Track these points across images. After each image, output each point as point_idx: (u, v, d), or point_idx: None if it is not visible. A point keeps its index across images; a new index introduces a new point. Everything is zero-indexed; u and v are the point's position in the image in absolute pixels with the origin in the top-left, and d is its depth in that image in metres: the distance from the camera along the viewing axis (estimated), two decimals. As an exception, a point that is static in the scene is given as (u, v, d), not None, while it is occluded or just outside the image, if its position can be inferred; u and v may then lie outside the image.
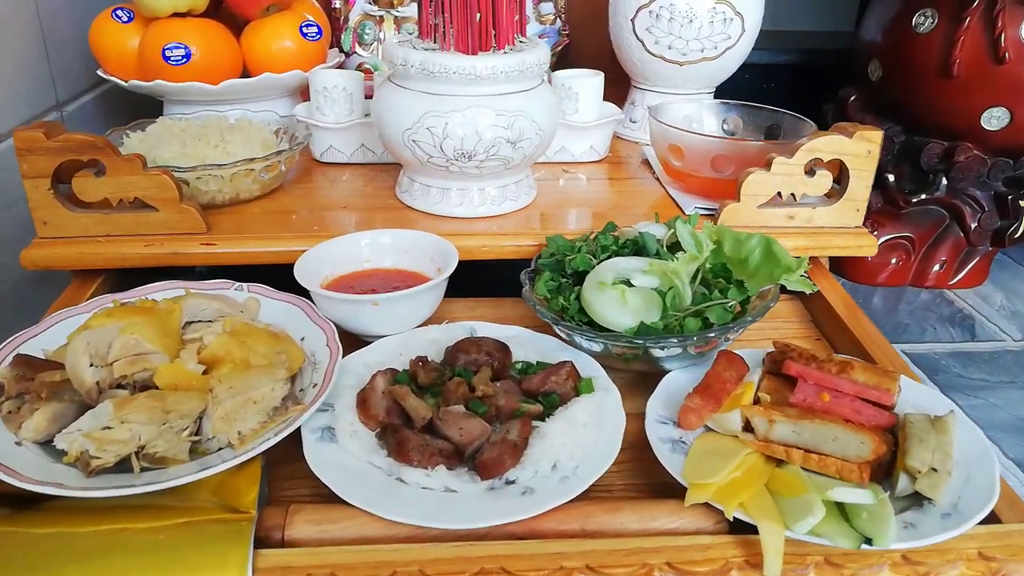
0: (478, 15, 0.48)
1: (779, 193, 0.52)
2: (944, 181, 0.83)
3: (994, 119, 0.79)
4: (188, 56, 0.57)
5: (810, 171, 0.51)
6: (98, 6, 0.66)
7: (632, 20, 0.66)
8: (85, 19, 0.67)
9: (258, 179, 0.52)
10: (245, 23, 0.63)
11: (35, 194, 0.46)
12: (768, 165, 0.51)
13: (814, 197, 0.53)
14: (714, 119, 0.63)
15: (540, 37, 0.84)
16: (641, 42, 0.66)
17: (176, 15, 0.59)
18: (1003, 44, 0.76)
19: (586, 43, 0.92)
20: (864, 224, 0.54)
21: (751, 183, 0.51)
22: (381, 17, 0.82)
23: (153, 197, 0.47)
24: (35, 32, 0.62)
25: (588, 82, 0.62)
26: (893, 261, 0.85)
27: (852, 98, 0.92)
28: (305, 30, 0.62)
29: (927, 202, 0.84)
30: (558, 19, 0.86)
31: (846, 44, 1.12)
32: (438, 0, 0.49)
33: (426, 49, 0.49)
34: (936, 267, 0.85)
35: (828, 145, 0.51)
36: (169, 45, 0.57)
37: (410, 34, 0.52)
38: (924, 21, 0.81)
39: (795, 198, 0.52)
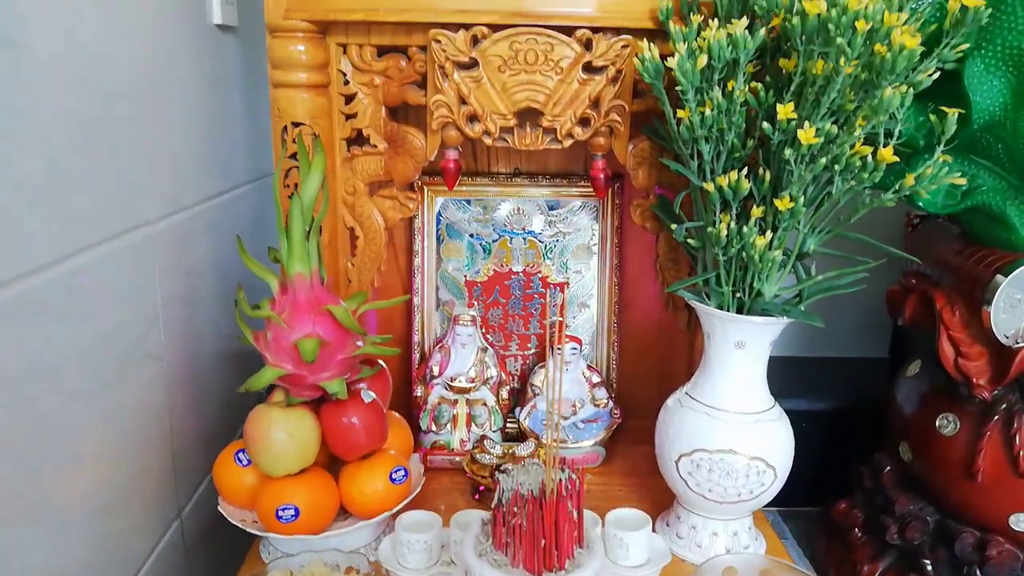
0: (543, 541, 0.58)
1: None
2: (979, 572, 0.87)
3: (1022, 522, 0.84)
4: (296, 514, 0.68)
5: None
6: (223, 436, 0.79)
7: (676, 462, 0.75)
8: (211, 441, 0.81)
9: (349, 658, 0.61)
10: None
11: None
12: (799, 674, 0.57)
13: None
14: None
15: (594, 421, 0.95)
16: (684, 481, 0.75)
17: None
18: (1022, 461, 0.82)
19: (638, 411, 1.02)
20: None
21: None
22: (455, 400, 0.94)
23: None
24: (168, 466, 0.75)
25: (638, 533, 0.71)
26: (936, 651, 0.87)
27: (887, 468, 0.98)
28: (394, 475, 0.73)
29: (965, 593, 0.87)
30: (610, 402, 0.97)
31: (880, 377, 1.20)
32: (510, 525, 0.59)
33: (498, 565, 0.59)
34: (979, 658, 0.87)
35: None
36: (282, 506, 0.68)
37: (486, 539, 0.62)
38: (947, 425, 0.88)
39: None
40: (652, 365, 1.05)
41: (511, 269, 1.00)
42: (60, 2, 0.56)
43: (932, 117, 0.65)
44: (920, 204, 0.79)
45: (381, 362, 0.81)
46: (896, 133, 0.65)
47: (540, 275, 1.01)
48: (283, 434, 0.69)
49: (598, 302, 1.02)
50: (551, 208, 0.99)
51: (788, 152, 0.62)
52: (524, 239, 1.00)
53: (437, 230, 0.99)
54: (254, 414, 0.70)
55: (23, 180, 0.52)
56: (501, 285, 1.00)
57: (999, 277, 0.81)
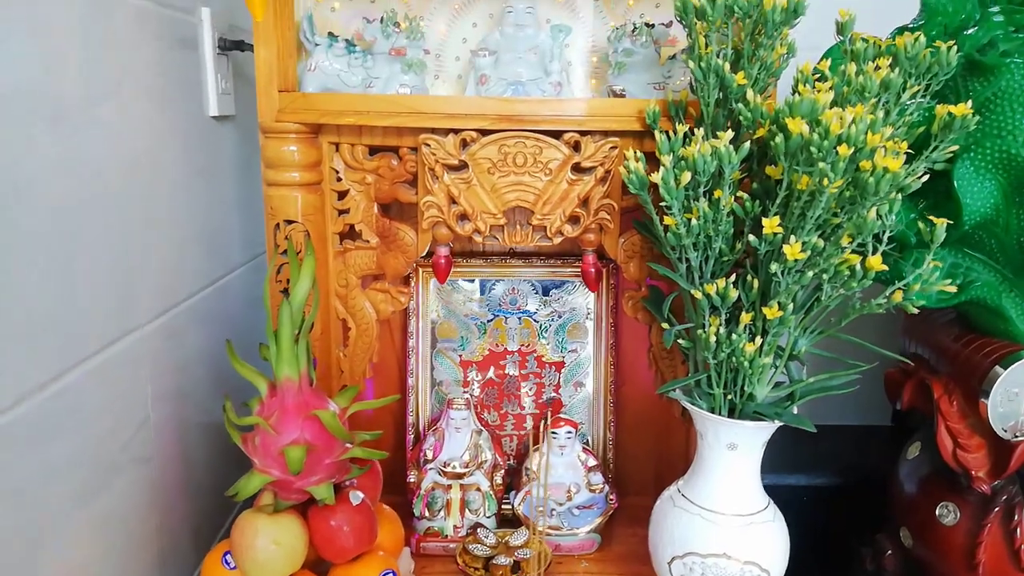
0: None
1: None
2: (982, 667, 0.85)
3: (1025, 617, 0.82)
4: (284, 623, 0.67)
5: None
6: (213, 528, 0.78)
7: (668, 564, 0.74)
8: (201, 534, 0.80)
9: None
10: (332, 562, 0.74)
11: None
12: None
13: None
14: None
15: (589, 507, 0.94)
16: (678, 582, 0.74)
17: (277, 578, 0.70)
18: (1023, 555, 0.80)
19: (635, 488, 1.01)
20: None
21: None
22: (449, 485, 0.94)
23: None
24: (154, 565, 0.75)
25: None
26: None
27: (888, 552, 0.97)
28: (382, 579, 0.72)
29: None
30: (606, 487, 0.96)
31: (883, 447, 1.18)
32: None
33: None
34: None
35: None
36: (269, 615, 0.67)
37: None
38: (947, 514, 0.87)
39: None
40: (650, 442, 1.04)
41: (506, 348, 1.00)
42: (60, 107, 0.58)
43: (920, 224, 0.65)
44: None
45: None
46: (885, 239, 0.65)
47: (536, 354, 1.00)
48: (269, 543, 0.68)
49: (594, 380, 1.01)
50: (546, 288, 0.99)
51: (775, 266, 0.61)
52: (519, 319, 1.00)
53: (432, 310, 0.99)
54: (240, 521, 0.70)
55: (19, 301, 0.52)
56: (496, 364, 1.00)
57: (997, 369, 0.80)
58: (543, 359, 1.00)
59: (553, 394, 1.01)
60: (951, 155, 0.70)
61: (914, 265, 0.75)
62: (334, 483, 0.72)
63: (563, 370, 1.01)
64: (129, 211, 0.69)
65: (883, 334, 1.08)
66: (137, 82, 0.72)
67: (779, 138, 0.59)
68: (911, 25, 0.83)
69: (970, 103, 0.66)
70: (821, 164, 0.56)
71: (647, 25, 0.78)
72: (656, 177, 0.63)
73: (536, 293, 0.99)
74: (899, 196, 0.63)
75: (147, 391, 0.73)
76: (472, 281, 0.98)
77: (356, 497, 0.74)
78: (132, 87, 0.71)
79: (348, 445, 0.73)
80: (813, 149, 0.56)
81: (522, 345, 1.00)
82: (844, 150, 0.55)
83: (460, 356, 1.00)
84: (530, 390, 1.01)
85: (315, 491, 0.70)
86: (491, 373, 1.00)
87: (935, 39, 0.83)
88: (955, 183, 0.71)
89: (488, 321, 1.00)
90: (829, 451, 1.20)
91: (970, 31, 0.80)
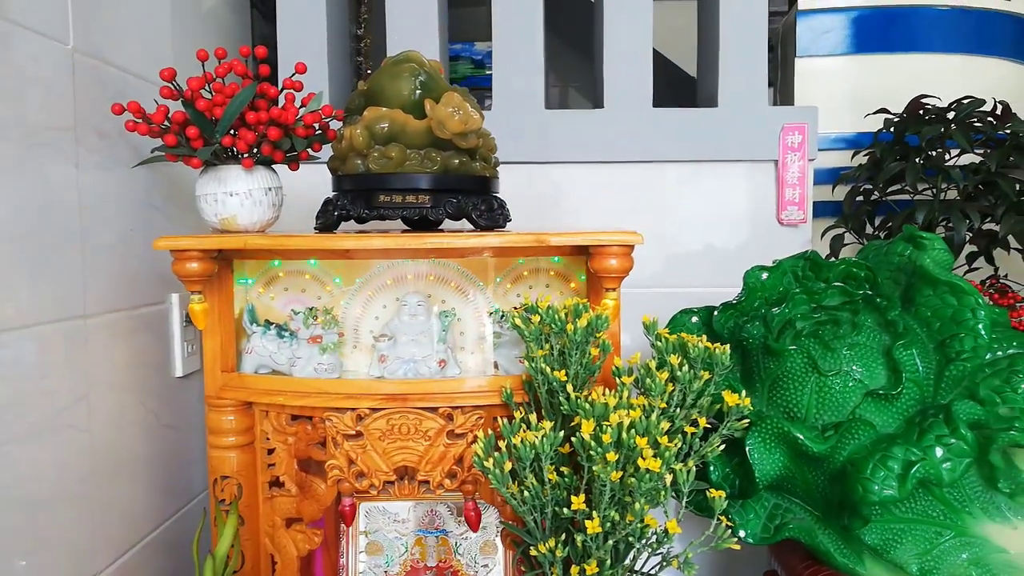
0: None
1: None
2: None
3: None
4: None
5: None
6: None
7: None
8: None
9: None
10: None
11: None
12: None
13: None
14: None
15: None
16: None
17: None
18: None
19: None
20: None
21: None
22: None
23: None
24: None
25: None
26: None
27: None
28: None
29: None
30: None
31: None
32: None
33: None
34: None
35: None
36: None
37: None
38: None
39: None
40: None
41: (425, 564, 1.14)
42: (36, 422, 0.78)
43: (713, 499, 0.81)
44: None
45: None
46: (684, 503, 0.81)
47: (452, 569, 1.15)
48: None
49: (504, 595, 1.14)
50: (459, 510, 1.15)
51: (579, 536, 0.77)
52: (437, 537, 1.15)
53: (362, 530, 1.14)
54: None
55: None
56: (417, 580, 1.14)
57: (828, 598, 0.92)
58: (459, 574, 1.14)
59: (467, 606, 1.14)
60: (747, 424, 0.87)
61: (735, 513, 0.90)
62: None
63: (477, 585, 1.15)
64: (94, 477, 0.89)
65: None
66: (107, 375, 0.93)
67: (577, 435, 0.77)
68: (733, 301, 1.02)
69: (744, 393, 0.83)
70: (595, 468, 0.73)
71: (516, 308, 0.98)
72: (489, 463, 0.80)
73: (452, 514, 1.15)
74: (693, 470, 0.80)
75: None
76: (396, 503, 1.14)
77: None
78: (103, 383, 0.92)
79: (258, 676, 0.87)
80: (592, 453, 0.73)
81: (440, 561, 1.14)
82: (612, 456, 0.72)
83: (386, 572, 1.14)
84: (448, 602, 1.14)
85: None
86: (413, 587, 1.14)
87: (757, 310, 1.02)
88: (747, 450, 0.87)
89: (410, 540, 1.15)
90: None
91: (777, 309, 0.98)
